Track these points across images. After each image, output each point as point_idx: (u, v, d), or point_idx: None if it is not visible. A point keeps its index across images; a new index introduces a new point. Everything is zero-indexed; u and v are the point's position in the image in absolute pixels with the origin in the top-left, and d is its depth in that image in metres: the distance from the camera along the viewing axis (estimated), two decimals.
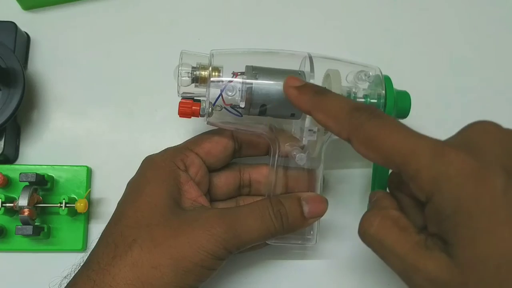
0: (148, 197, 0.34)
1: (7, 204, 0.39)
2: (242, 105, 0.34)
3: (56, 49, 0.46)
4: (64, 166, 0.42)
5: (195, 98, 0.36)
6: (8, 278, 0.41)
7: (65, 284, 0.32)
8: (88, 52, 0.46)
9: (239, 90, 0.34)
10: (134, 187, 0.35)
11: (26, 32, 0.46)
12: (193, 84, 0.35)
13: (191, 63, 0.35)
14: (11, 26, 0.44)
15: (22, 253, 0.42)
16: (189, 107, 0.35)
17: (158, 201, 0.33)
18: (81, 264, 0.33)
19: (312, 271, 0.42)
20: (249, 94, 0.34)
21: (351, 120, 0.28)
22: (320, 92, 0.31)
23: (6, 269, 0.41)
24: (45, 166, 0.42)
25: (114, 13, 0.47)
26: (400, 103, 0.37)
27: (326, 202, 0.35)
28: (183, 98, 0.36)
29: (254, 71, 0.34)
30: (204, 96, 0.35)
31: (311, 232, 0.37)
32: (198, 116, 0.35)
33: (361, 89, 0.37)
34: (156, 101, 0.45)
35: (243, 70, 0.34)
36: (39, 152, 0.44)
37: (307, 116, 0.34)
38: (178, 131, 0.45)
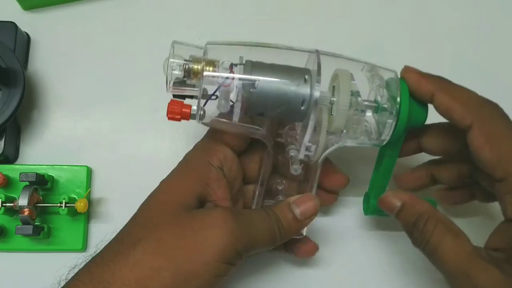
0: (163, 195, 0.33)
1: (7, 204, 0.39)
2: (237, 112, 0.31)
3: (56, 49, 0.46)
4: (64, 166, 0.42)
5: (187, 95, 0.32)
6: (8, 278, 0.41)
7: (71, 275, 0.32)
8: (88, 52, 0.46)
9: (236, 88, 0.31)
10: (158, 185, 0.35)
11: (26, 32, 0.46)
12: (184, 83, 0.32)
13: (184, 55, 0.32)
14: (11, 26, 0.44)
15: (22, 253, 0.42)
16: (178, 109, 0.32)
17: (173, 199, 0.32)
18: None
19: (310, 279, 0.42)
20: (246, 101, 0.31)
21: (481, 110, 0.30)
22: (445, 78, 0.32)
23: (6, 269, 0.41)
24: (45, 166, 0.42)
25: (114, 13, 0.47)
26: (415, 113, 0.33)
27: (316, 198, 0.34)
28: (174, 96, 0.33)
29: (254, 68, 0.31)
30: (196, 96, 0.32)
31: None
32: (188, 119, 0.32)
33: (373, 93, 0.34)
34: (156, 101, 0.45)
35: (239, 62, 0.31)
36: (39, 152, 0.44)
37: (308, 131, 0.32)
38: (178, 131, 0.45)
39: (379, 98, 0.33)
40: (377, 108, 0.33)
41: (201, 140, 0.37)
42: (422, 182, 0.39)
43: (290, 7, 0.48)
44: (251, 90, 0.31)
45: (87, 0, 0.47)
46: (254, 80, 0.31)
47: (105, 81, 0.46)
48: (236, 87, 0.31)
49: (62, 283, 0.31)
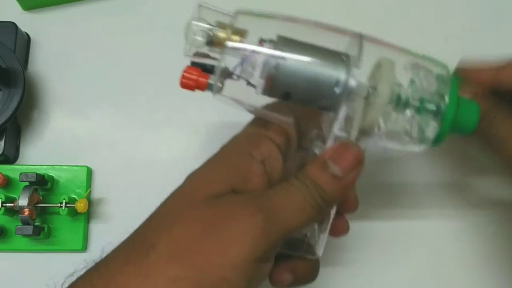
0: (188, 187, 0.28)
1: (7, 204, 0.39)
2: (259, 89, 0.27)
3: (56, 49, 0.46)
4: (64, 166, 0.42)
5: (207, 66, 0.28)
6: (8, 278, 0.42)
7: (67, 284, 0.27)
8: (89, 52, 0.46)
9: (262, 65, 0.27)
10: (185, 179, 0.29)
11: (26, 32, 0.46)
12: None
13: (210, 20, 0.28)
14: (12, 26, 0.44)
15: (22, 253, 0.42)
16: (194, 77, 0.27)
17: (198, 189, 0.27)
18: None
19: None
20: (272, 77, 0.27)
21: None
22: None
23: (6, 269, 0.41)
24: (45, 166, 0.42)
25: (114, 13, 0.47)
26: (462, 116, 0.29)
27: (354, 144, 0.28)
28: (192, 64, 0.28)
29: (286, 45, 0.27)
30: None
31: (318, 248, 0.30)
32: (203, 90, 0.27)
33: (418, 89, 0.29)
34: (156, 101, 0.45)
35: (273, 38, 0.27)
36: (39, 152, 0.44)
37: (339, 119, 0.28)
38: (178, 131, 0.45)
39: (424, 96, 0.28)
40: (419, 109, 0.28)
41: (244, 129, 0.31)
42: (486, 77, 0.33)
43: None
44: (279, 64, 0.27)
45: (87, 0, 0.47)
46: (283, 57, 0.27)
47: (105, 81, 0.45)
48: (263, 63, 0.27)
49: None
